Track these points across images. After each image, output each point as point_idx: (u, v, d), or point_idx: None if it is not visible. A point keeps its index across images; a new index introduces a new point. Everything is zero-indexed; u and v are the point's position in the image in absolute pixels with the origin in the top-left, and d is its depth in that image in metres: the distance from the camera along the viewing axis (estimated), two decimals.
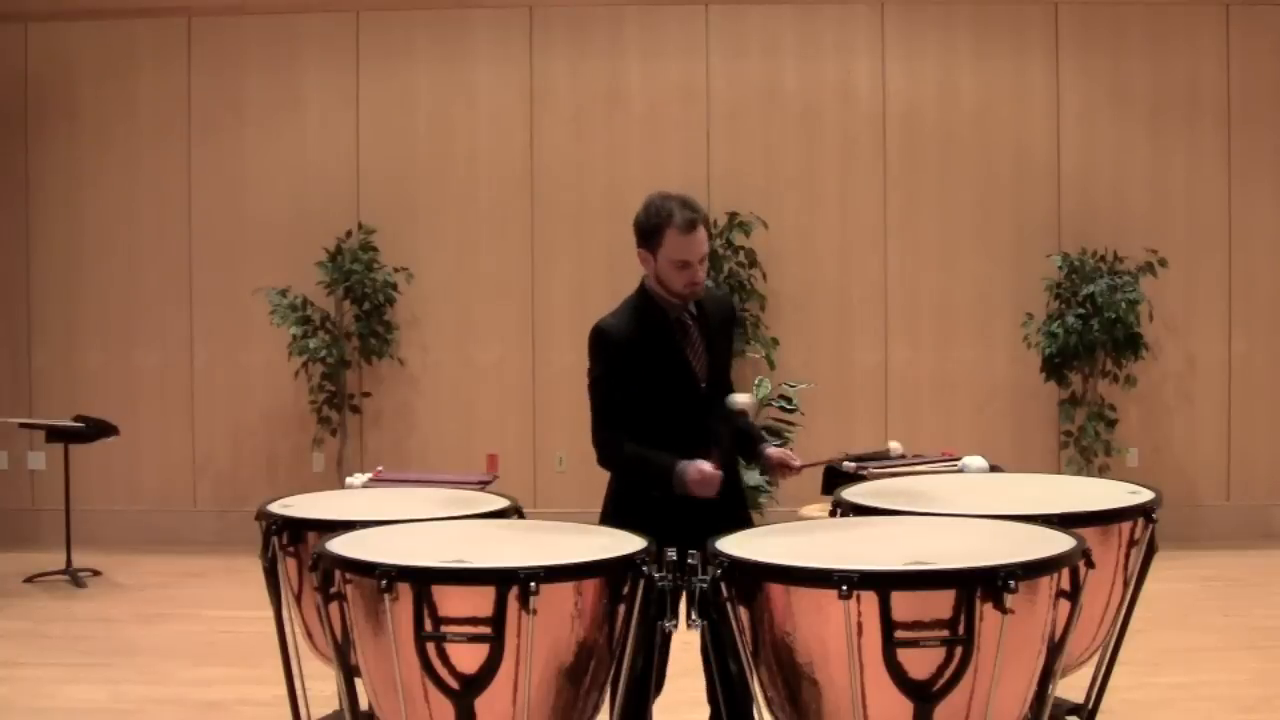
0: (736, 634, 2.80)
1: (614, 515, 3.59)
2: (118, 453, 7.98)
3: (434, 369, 8.32)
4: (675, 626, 2.97)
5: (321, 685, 3.72)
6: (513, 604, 2.67)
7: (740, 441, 3.78)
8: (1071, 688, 3.54)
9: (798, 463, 3.72)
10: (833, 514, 3.48)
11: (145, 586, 7.21)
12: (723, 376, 3.76)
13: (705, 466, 3.46)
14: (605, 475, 3.78)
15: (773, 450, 3.76)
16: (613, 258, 7.98)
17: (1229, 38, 8.07)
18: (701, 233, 3.57)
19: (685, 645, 3.36)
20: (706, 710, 3.68)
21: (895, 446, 3.39)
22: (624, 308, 3.71)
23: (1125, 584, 3.29)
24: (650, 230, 3.58)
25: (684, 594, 2.93)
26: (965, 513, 3.26)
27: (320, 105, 8.34)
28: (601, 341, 3.65)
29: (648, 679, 3.20)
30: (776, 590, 2.68)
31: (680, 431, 3.60)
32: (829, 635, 2.58)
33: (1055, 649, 2.77)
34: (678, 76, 8.23)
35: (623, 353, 3.60)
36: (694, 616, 2.89)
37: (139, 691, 5.26)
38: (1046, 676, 2.77)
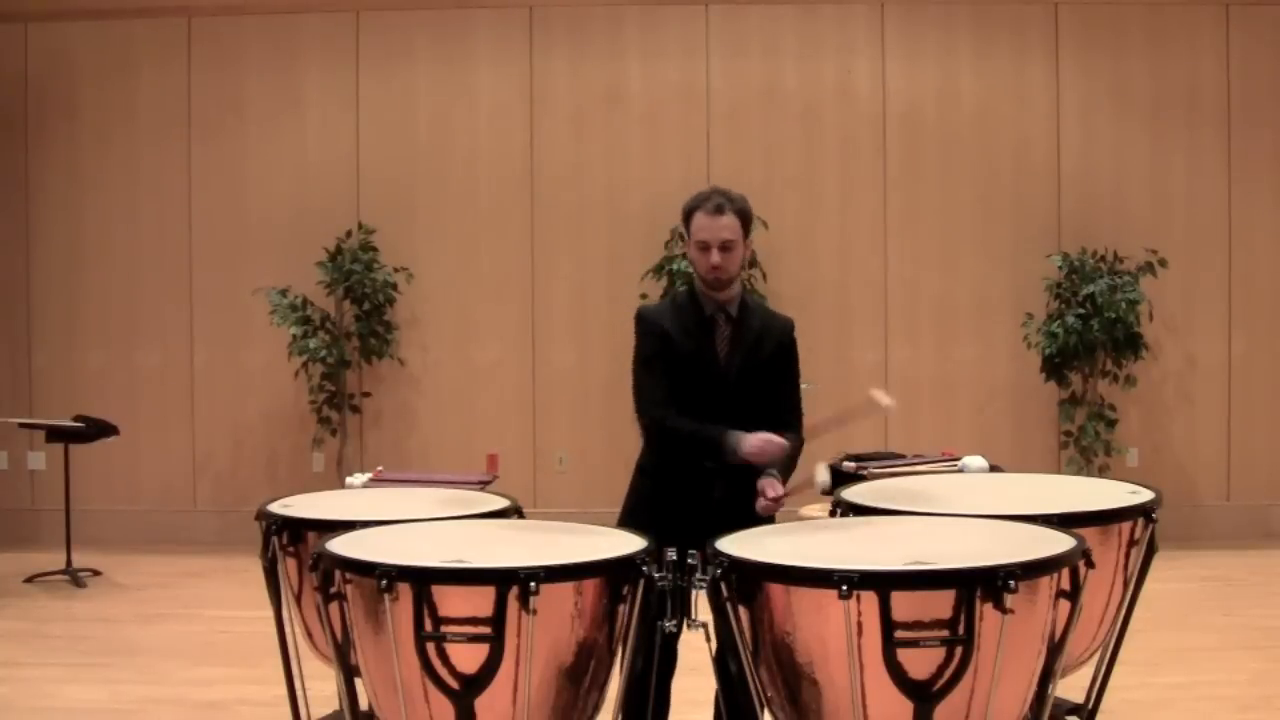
0: (736, 634, 2.79)
1: (632, 516, 3.62)
2: (118, 453, 7.99)
3: (434, 369, 8.32)
4: (675, 626, 2.97)
5: (321, 685, 3.72)
6: (513, 604, 2.67)
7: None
8: (1071, 688, 3.54)
9: (771, 495, 3.52)
10: (833, 514, 3.48)
11: (145, 586, 7.21)
12: (754, 387, 3.69)
13: (772, 436, 3.51)
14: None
15: (761, 481, 3.58)
16: (613, 258, 7.99)
17: (1229, 38, 8.08)
18: (727, 219, 3.60)
19: (685, 645, 3.36)
20: (707, 710, 3.68)
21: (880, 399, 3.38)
22: (667, 298, 3.79)
23: (1125, 584, 3.29)
24: (686, 213, 3.69)
25: (682, 594, 2.94)
26: (965, 513, 3.26)
27: (320, 105, 8.34)
28: (638, 323, 3.78)
29: (648, 679, 3.20)
30: (776, 590, 2.68)
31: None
32: (829, 635, 2.58)
33: (1055, 649, 2.76)
34: (678, 76, 8.24)
35: (654, 337, 3.71)
36: (694, 616, 2.89)
37: (139, 691, 5.25)
38: (1046, 676, 2.77)
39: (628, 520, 3.59)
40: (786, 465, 3.66)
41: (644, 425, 3.72)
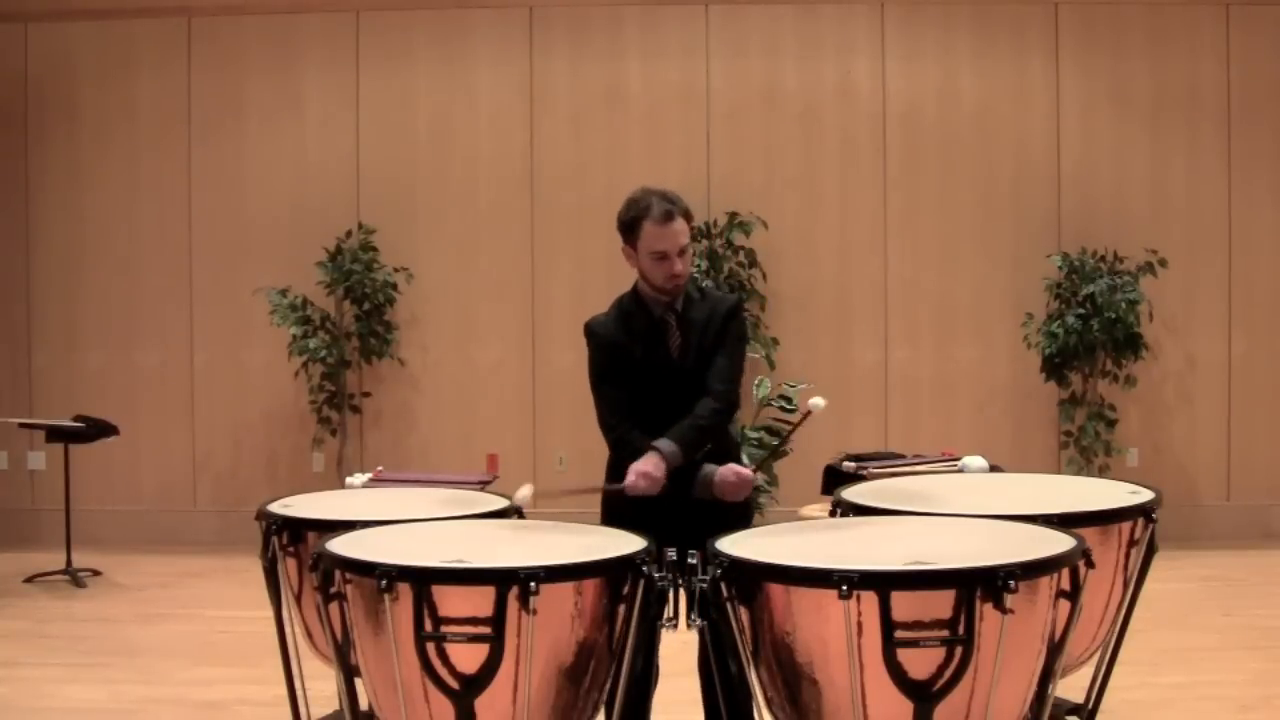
0: (736, 634, 2.79)
1: (613, 514, 3.60)
2: (118, 453, 7.99)
3: (434, 369, 8.32)
4: (675, 626, 2.96)
5: (321, 685, 3.72)
6: (513, 604, 2.67)
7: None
8: (1071, 688, 3.54)
9: (749, 471, 3.61)
10: (833, 514, 3.48)
11: (145, 586, 7.21)
12: (705, 376, 3.67)
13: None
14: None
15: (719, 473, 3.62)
16: (613, 258, 7.90)
17: (1229, 38, 8.08)
18: (678, 224, 3.59)
19: (685, 645, 3.36)
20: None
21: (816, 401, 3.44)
22: (613, 306, 3.76)
23: (1125, 584, 3.29)
24: (629, 224, 3.65)
25: (684, 594, 2.93)
26: (965, 513, 3.26)
27: (320, 105, 8.34)
28: (588, 337, 3.76)
29: (648, 679, 3.20)
30: (776, 590, 2.68)
31: (659, 428, 3.60)
32: (829, 635, 2.58)
33: (1055, 649, 2.76)
34: (678, 76, 8.23)
35: (608, 350, 3.70)
36: (694, 616, 2.89)
37: (139, 691, 5.25)
38: (1046, 676, 2.77)
39: (610, 518, 3.58)
40: (698, 441, 3.57)
41: (611, 444, 3.69)
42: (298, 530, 3.41)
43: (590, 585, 2.79)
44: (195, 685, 5.35)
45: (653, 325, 3.67)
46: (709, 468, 3.52)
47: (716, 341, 3.71)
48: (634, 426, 3.61)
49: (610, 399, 3.68)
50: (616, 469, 3.66)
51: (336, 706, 3.46)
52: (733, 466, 3.52)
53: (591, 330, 3.74)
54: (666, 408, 3.62)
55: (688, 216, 3.64)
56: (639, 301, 3.71)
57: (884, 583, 2.54)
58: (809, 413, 3.54)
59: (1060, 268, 7.91)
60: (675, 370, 3.65)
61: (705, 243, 7.93)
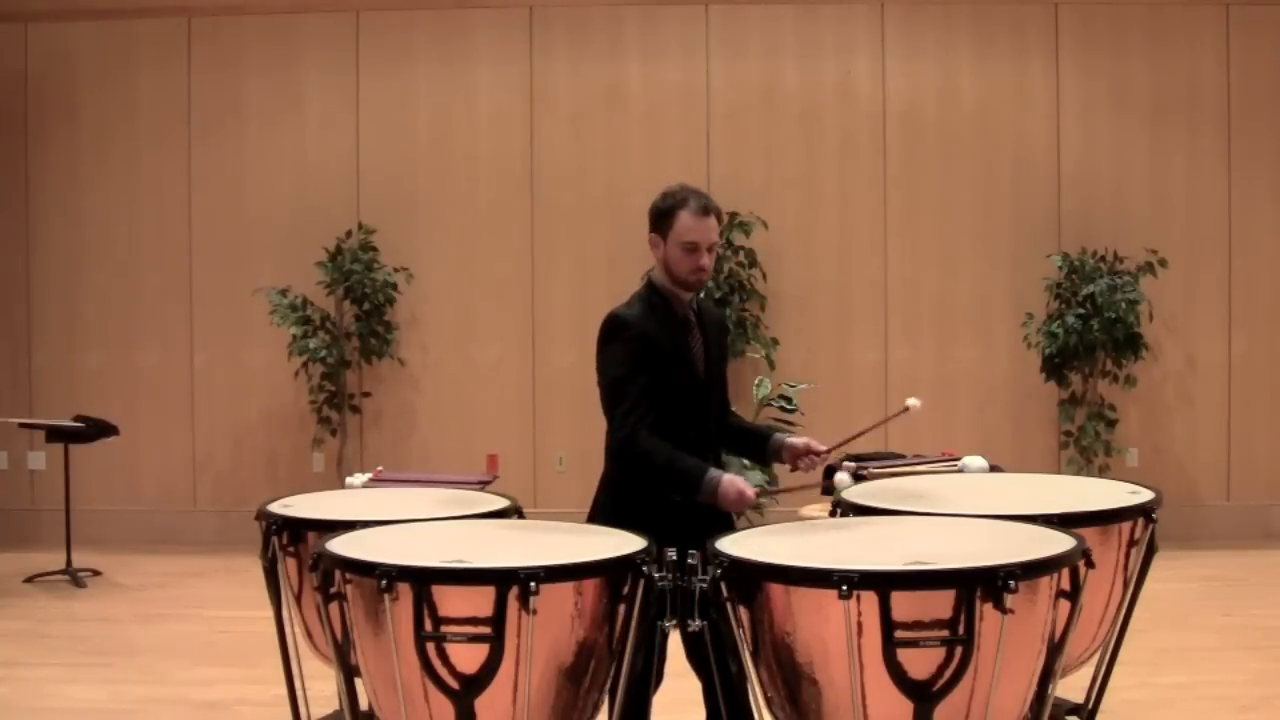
0: (736, 634, 2.79)
1: (604, 514, 3.59)
2: (118, 453, 7.99)
3: (434, 369, 8.32)
4: (674, 626, 2.96)
5: (321, 685, 3.72)
6: (513, 604, 2.67)
7: (745, 443, 3.79)
8: (1071, 688, 3.54)
9: (823, 448, 3.74)
10: (833, 514, 3.47)
11: (145, 586, 7.22)
12: (720, 380, 3.79)
13: (746, 491, 3.47)
14: None
15: (795, 440, 3.76)
16: (613, 258, 7.98)
17: (1229, 38, 8.08)
18: (713, 221, 3.63)
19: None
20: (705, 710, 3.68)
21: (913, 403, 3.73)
22: (636, 300, 3.70)
23: (1125, 584, 3.29)
24: (664, 212, 3.63)
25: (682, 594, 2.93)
26: (965, 513, 3.25)
27: (320, 105, 8.34)
28: (620, 329, 3.61)
29: (648, 679, 3.19)
30: (776, 590, 2.68)
31: (681, 426, 3.60)
32: (829, 635, 2.58)
33: (1055, 649, 2.76)
34: (678, 76, 8.24)
35: (641, 343, 3.58)
36: (695, 616, 2.89)
37: (139, 691, 5.26)
38: (1046, 676, 2.77)
39: (600, 518, 3.56)
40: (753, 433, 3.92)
41: (619, 441, 3.55)
42: (298, 530, 3.41)
43: (590, 585, 2.79)
44: (195, 685, 5.36)
45: (678, 320, 3.68)
46: (714, 473, 3.51)
47: (720, 353, 3.80)
48: (651, 428, 3.53)
49: (634, 396, 3.53)
50: (621, 471, 3.64)
51: (336, 706, 3.45)
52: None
53: (624, 321, 3.61)
54: (685, 407, 3.62)
55: (720, 218, 3.69)
56: (662, 296, 3.69)
57: (884, 583, 2.54)
58: (906, 409, 3.77)
59: (1060, 268, 7.91)
60: (697, 369, 3.68)
61: None
